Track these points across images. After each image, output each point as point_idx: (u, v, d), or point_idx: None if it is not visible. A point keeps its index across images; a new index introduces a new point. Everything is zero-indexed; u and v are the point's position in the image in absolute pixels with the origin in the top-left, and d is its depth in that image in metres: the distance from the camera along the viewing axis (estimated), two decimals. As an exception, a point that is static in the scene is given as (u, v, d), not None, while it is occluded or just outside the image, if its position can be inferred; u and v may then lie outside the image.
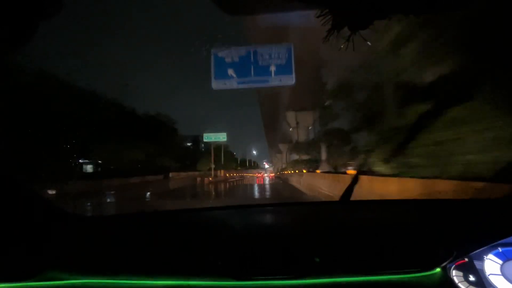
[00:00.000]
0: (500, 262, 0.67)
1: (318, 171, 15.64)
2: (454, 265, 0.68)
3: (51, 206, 0.90)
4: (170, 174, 19.83)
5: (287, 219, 1.00)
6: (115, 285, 0.69)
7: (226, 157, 35.08)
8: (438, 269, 0.69)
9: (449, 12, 0.62)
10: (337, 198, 1.11)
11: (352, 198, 1.09)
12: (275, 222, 1.01)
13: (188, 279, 0.69)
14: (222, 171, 27.86)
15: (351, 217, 0.97)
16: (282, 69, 7.36)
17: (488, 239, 0.70)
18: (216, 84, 8.10)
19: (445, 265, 0.69)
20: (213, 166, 24.86)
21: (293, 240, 0.79)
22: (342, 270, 0.68)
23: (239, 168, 42.96)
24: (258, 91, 24.70)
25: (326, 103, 14.74)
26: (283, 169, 33.60)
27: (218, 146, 29.36)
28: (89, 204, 6.56)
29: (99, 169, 17.24)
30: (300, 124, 25.05)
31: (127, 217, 1.07)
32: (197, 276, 0.69)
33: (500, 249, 0.69)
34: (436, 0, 0.52)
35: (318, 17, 0.57)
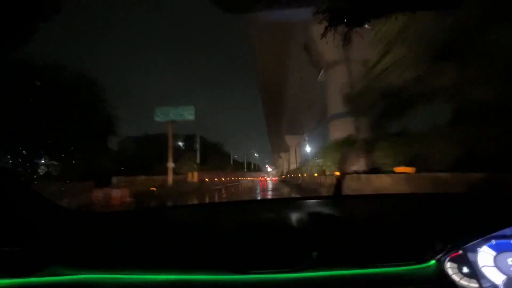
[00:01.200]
0: (494, 254, 0.68)
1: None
2: (448, 258, 0.70)
3: (53, 203, 0.90)
4: (114, 180, 11.90)
5: (285, 214, 1.01)
6: (117, 279, 0.69)
7: (215, 154, 25.43)
8: (432, 262, 0.70)
9: (443, 11, 0.66)
10: None
11: None
12: (273, 217, 1.02)
13: (188, 273, 0.70)
14: (196, 174, 17.19)
15: (347, 211, 0.99)
16: None
17: (482, 231, 0.71)
18: None
19: (440, 258, 0.70)
20: (171, 165, 14.27)
21: (291, 235, 0.82)
22: (338, 263, 0.69)
23: (234, 170, 32.94)
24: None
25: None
26: (290, 172, 23.30)
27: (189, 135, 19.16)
28: None
29: None
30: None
31: (129, 213, 1.14)
32: (196, 270, 0.70)
33: (493, 241, 0.70)
34: None
35: (315, 14, 0.55)
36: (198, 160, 18.39)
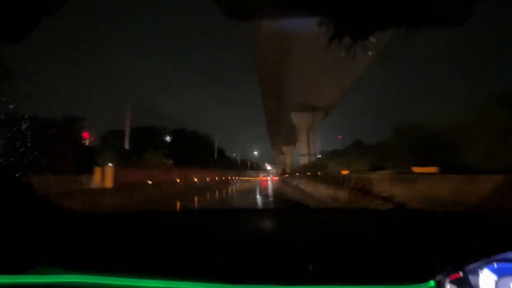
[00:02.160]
0: (495, 278, 0.66)
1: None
2: (448, 279, 0.68)
3: (48, 201, 0.89)
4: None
5: (283, 225, 1.00)
6: (107, 284, 0.68)
7: (199, 149, 21.45)
8: (432, 282, 0.68)
9: (449, 27, 0.60)
10: None
11: None
12: (271, 227, 1.01)
13: (181, 281, 0.68)
14: (109, 174, 8.26)
15: (347, 225, 0.98)
16: None
17: (483, 254, 0.69)
18: None
19: (439, 279, 0.68)
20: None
21: (287, 246, 0.80)
22: (335, 279, 0.68)
23: (224, 168, 26.38)
24: None
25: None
26: (300, 169, 14.87)
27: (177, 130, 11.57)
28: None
29: None
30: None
31: (124, 215, 1.13)
32: (190, 279, 0.69)
33: (495, 265, 0.68)
34: (436, 14, 0.55)
35: (320, 25, 0.57)
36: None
